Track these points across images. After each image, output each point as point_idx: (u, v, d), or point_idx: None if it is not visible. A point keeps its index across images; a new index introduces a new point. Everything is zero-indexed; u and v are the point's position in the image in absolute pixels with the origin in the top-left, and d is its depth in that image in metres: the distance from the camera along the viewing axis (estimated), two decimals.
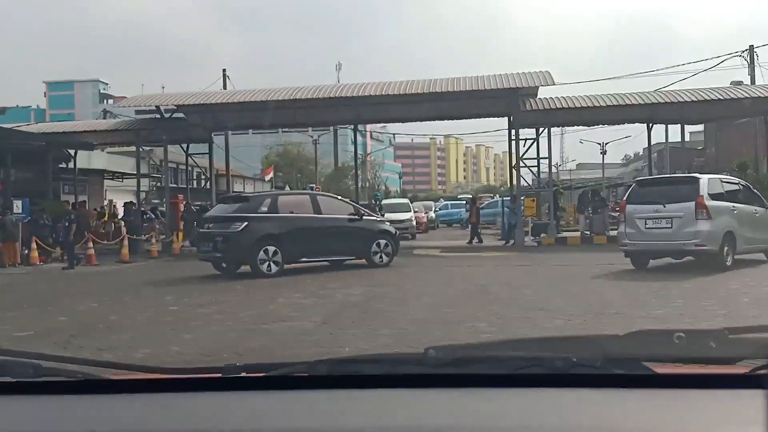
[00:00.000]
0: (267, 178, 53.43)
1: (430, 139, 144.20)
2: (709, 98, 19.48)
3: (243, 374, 1.18)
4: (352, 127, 29.16)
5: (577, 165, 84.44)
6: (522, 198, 20.30)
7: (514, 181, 22.13)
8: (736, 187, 12.46)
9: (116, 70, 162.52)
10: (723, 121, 39.17)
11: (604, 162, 57.06)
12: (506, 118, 22.74)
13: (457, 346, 1.46)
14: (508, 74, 20.39)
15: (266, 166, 58.88)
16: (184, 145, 24.37)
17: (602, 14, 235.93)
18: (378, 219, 14.71)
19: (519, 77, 20.05)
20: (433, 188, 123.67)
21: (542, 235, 20.26)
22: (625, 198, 12.56)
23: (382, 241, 13.25)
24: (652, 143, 26.54)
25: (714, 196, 11.14)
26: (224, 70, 28.31)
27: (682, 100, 19.85)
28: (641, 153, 62.19)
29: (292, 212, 12.52)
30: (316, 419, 1.01)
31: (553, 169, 74.42)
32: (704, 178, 11.52)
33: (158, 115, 21.98)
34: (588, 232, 20.30)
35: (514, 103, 20.25)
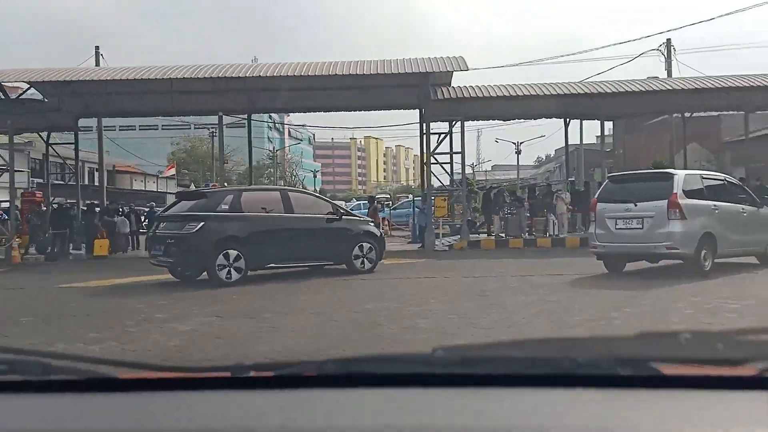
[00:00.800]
0: (168, 174, 49.54)
1: (350, 138, 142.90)
2: (626, 90, 18.11)
3: (252, 373, 1.18)
4: (269, 123, 26.11)
5: (492, 166, 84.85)
6: (432, 198, 18.23)
7: (433, 180, 20.16)
8: (719, 183, 11.27)
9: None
10: (638, 118, 39.47)
11: (519, 163, 56.79)
12: (419, 112, 20.68)
13: (465, 346, 1.51)
14: (418, 59, 18.29)
15: (173, 163, 54.82)
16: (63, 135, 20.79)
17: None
18: (361, 219, 12.92)
19: (429, 62, 18.00)
20: (354, 188, 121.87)
21: (454, 238, 18.30)
22: (596, 196, 11.51)
23: (366, 245, 11.73)
24: (566, 144, 25.47)
25: (691, 194, 10.12)
26: (97, 48, 24.51)
27: (599, 92, 18.40)
28: (552, 155, 62.74)
29: (263, 210, 10.97)
30: (325, 418, 1.00)
31: (470, 170, 74.27)
32: (680, 174, 10.44)
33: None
34: (503, 235, 18.50)
35: (424, 91, 18.18)
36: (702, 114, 35.60)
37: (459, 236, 18.16)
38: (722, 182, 11.43)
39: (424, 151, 19.39)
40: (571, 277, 10.34)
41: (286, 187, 16.01)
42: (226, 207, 10.68)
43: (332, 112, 22.97)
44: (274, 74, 17.52)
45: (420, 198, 20.44)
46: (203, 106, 20.69)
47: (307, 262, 11.48)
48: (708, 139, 39.86)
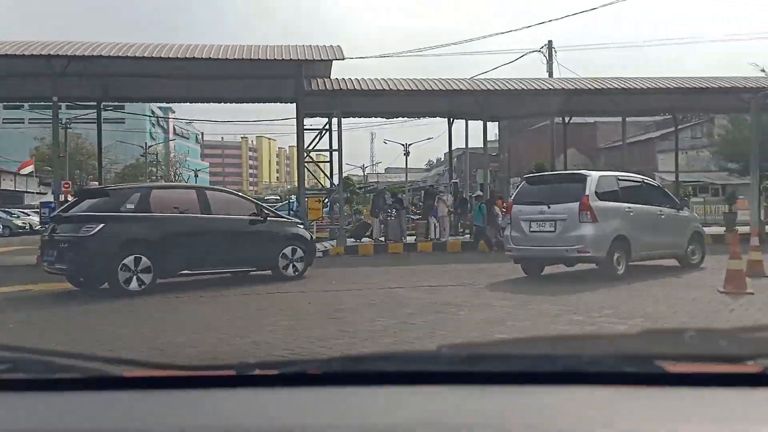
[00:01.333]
0: (25, 171, 44.58)
1: (241, 137, 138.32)
2: (508, 88, 17.51)
3: (256, 371, 1.17)
4: (152, 118, 23.35)
5: (385, 169, 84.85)
6: (306, 199, 16.68)
7: (320, 179, 18.61)
8: (636, 185, 11.07)
9: None
10: (523, 122, 40.27)
11: (410, 166, 56.66)
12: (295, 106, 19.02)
13: (470, 344, 1.67)
14: (290, 46, 16.69)
15: (38, 159, 49.44)
16: None
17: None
18: (289, 221, 11.96)
19: (302, 49, 16.43)
20: (244, 189, 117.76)
21: (330, 243, 16.85)
22: (512, 198, 11.30)
23: (293, 249, 10.79)
24: (455, 148, 25.05)
25: (604, 196, 9.93)
26: None
27: (482, 89, 17.69)
28: (443, 158, 63.54)
29: (176, 210, 9.84)
30: (330, 416, 0.99)
31: (363, 171, 73.11)
32: (593, 176, 10.14)
33: None
34: (383, 239, 17.27)
35: (298, 83, 16.60)
36: (580, 121, 36.94)
37: (336, 241, 16.76)
38: (639, 184, 11.15)
39: (301, 148, 17.80)
40: (445, 288, 9.18)
41: (204, 186, 14.14)
42: (132, 206, 9.48)
43: (210, 104, 20.79)
44: (120, 54, 15.19)
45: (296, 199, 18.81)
46: (35, 92, 17.89)
47: (227, 269, 10.43)
48: (585, 144, 41.54)
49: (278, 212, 13.30)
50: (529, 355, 1.19)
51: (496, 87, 17.66)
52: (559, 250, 9.80)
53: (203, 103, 20.72)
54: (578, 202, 9.59)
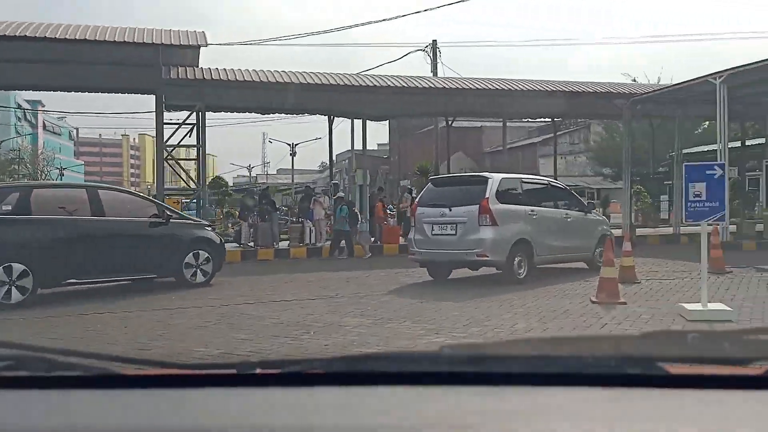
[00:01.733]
0: None
1: (123, 135, 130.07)
2: (389, 85, 16.72)
3: (258, 371, 1.16)
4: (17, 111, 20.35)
5: (277, 170, 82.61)
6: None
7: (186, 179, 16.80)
8: (542, 188, 10.99)
9: None
10: (412, 125, 40.11)
11: (304, 167, 55.35)
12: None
13: (472, 344, 1.56)
14: (146, 28, 14.93)
15: None
16: None
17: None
18: (195, 222, 10.91)
19: (162, 33, 14.75)
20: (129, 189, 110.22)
21: None
22: (416, 200, 11.00)
23: (199, 253, 9.94)
24: (347, 150, 24.05)
25: (505, 199, 9.77)
26: None
27: (363, 84, 16.78)
28: (335, 159, 62.60)
29: (63, 212, 8.82)
30: (332, 416, 0.99)
31: (248, 172, 70.35)
32: (494, 178, 9.92)
33: None
34: (252, 245, 15.85)
35: (156, 69, 14.87)
36: (467, 125, 37.30)
37: None
38: (545, 186, 11.02)
39: (161, 144, 16.00)
40: (301, 303, 8.05)
41: (97, 184, 12.36)
42: (9, 208, 8.56)
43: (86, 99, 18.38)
44: None
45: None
46: None
47: (123, 276, 9.54)
48: (472, 148, 42.13)
49: (183, 214, 11.76)
50: (532, 356, 1.19)
51: (376, 83, 16.81)
52: (459, 253, 9.62)
53: (58, 91, 18.37)
54: (478, 205, 9.43)
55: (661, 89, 17.70)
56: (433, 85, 17.28)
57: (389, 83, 16.94)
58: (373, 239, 15.94)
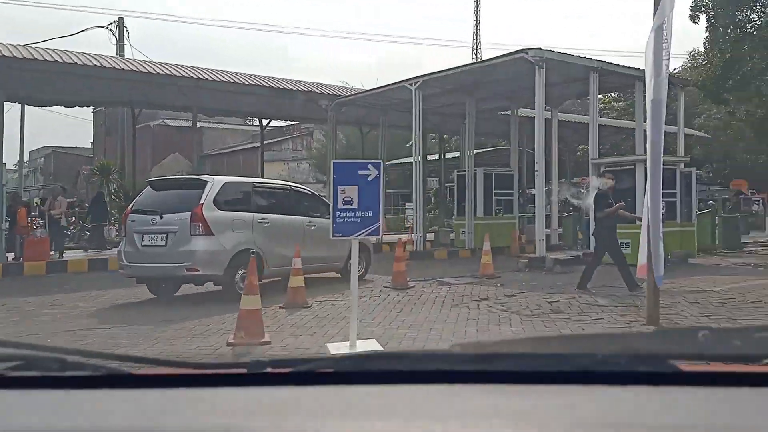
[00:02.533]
0: None
1: None
2: (44, 59, 13.17)
3: (268, 370, 1.16)
4: None
5: None
6: None
7: None
8: (279, 192, 10.15)
9: None
10: (122, 121, 35.28)
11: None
12: None
13: (483, 343, 1.61)
14: None
15: None
16: None
17: None
18: None
19: None
20: None
21: None
22: (130, 206, 9.69)
23: None
24: (37, 148, 19.21)
25: (228, 205, 8.92)
26: None
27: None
28: (28, 157, 53.43)
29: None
30: (342, 414, 0.98)
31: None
32: (215, 182, 8.96)
33: None
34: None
35: None
36: (184, 124, 34.05)
37: None
38: (285, 191, 10.20)
39: None
40: None
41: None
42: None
43: None
44: None
45: None
46: None
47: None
48: (192, 149, 38.91)
49: None
50: (542, 354, 1.19)
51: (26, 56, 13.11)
52: (169, 267, 8.57)
53: None
54: (191, 212, 8.48)
55: (362, 93, 17.15)
56: (96, 63, 14.08)
57: (47, 57, 13.39)
58: (12, 255, 12.28)
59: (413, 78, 14.99)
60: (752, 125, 13.89)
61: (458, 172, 17.56)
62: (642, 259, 7.04)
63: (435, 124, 20.39)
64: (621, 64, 15.06)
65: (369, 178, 5.34)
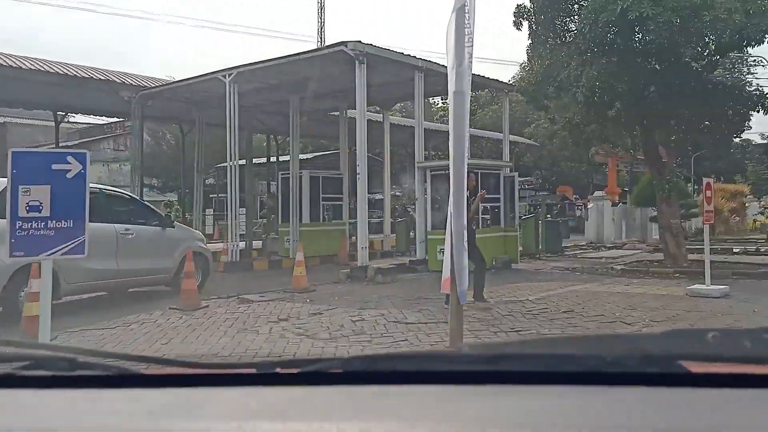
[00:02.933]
0: None
1: None
2: None
3: (277, 370, 1.17)
4: None
5: None
6: None
7: None
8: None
9: None
10: None
11: None
12: None
13: (491, 343, 1.71)
14: None
15: None
16: None
17: None
18: None
19: None
20: None
21: None
22: None
23: None
24: None
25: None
26: None
27: None
28: None
29: None
30: (350, 415, 0.98)
31: None
32: None
33: None
34: None
35: None
36: None
37: None
38: (92, 195, 7.67)
39: None
40: None
41: None
42: None
43: None
44: None
45: None
46: None
47: None
48: None
49: None
50: (550, 355, 1.19)
51: None
52: None
53: None
54: None
55: (170, 84, 15.27)
56: None
57: None
58: None
59: (228, 69, 13.48)
60: (570, 132, 14.05)
61: (282, 174, 16.26)
62: (446, 272, 6.24)
63: (265, 124, 18.94)
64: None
65: (68, 175, 3.88)
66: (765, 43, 12.45)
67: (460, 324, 6.16)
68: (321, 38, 42.86)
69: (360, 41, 11.64)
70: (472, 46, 6.28)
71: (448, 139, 6.16)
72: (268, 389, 1.10)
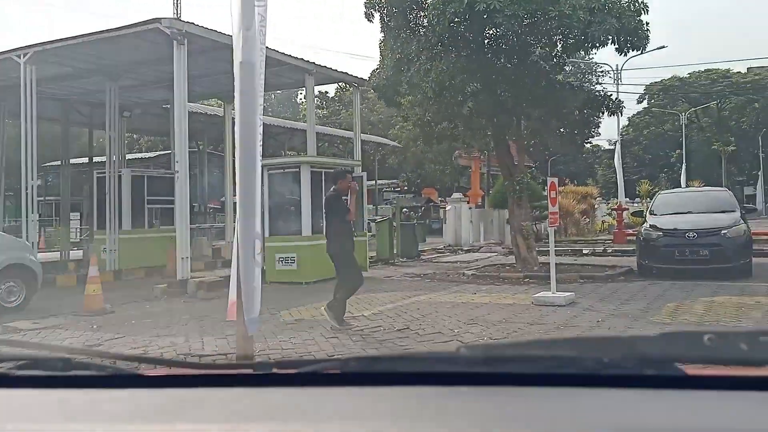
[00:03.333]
0: None
1: None
2: None
3: (275, 370, 1.16)
4: None
5: None
6: None
7: None
8: None
9: None
10: None
11: None
12: None
13: (490, 345, 1.56)
14: None
15: None
16: None
17: None
18: None
19: None
20: None
21: None
22: None
23: None
24: None
25: None
26: None
27: None
28: None
29: None
30: (348, 415, 0.99)
31: None
32: None
33: None
34: None
35: None
36: None
37: None
38: None
39: None
40: None
41: None
42: None
43: None
44: None
45: None
46: None
47: None
48: None
49: None
50: (549, 356, 1.17)
51: None
52: None
53: None
54: None
55: None
56: None
57: None
58: None
59: (23, 48, 11.24)
60: (421, 130, 13.27)
61: (98, 174, 14.06)
62: (232, 294, 4.90)
63: (86, 116, 16.52)
64: (296, 56, 13.35)
65: None
66: (609, 44, 12.36)
67: (248, 353, 4.86)
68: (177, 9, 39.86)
69: (179, 18, 9.99)
70: (265, 6, 5.01)
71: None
72: (265, 390, 1.10)
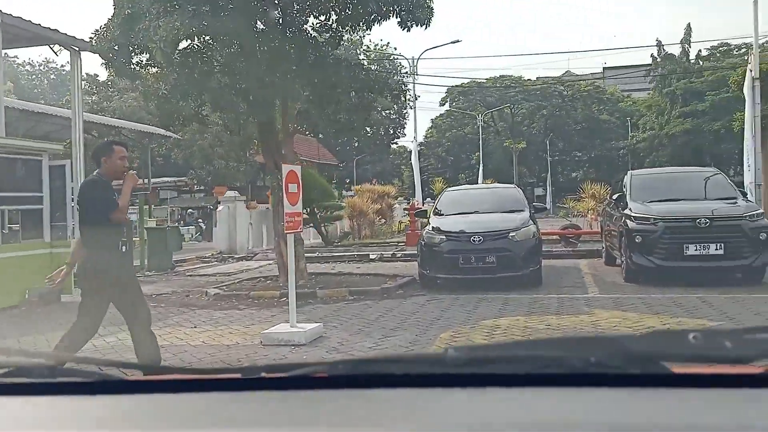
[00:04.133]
0: None
1: None
2: None
3: (263, 374, 1.15)
4: None
5: None
6: None
7: None
8: None
9: None
10: None
11: None
12: None
13: (477, 346, 1.56)
14: None
15: None
16: None
17: None
18: None
19: None
20: None
21: None
22: None
23: None
24: None
25: None
26: None
27: None
28: None
29: None
30: (336, 419, 0.99)
31: None
32: None
33: None
34: None
35: None
36: None
37: None
38: None
39: None
40: None
41: None
42: None
43: None
44: None
45: None
46: None
47: None
48: None
49: None
50: (535, 356, 1.16)
51: None
52: None
53: None
54: None
55: None
56: None
57: None
58: None
59: None
60: (158, 107, 10.19)
61: None
62: None
63: None
64: None
65: None
66: (391, 17, 10.37)
67: None
68: None
69: None
70: None
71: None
72: (254, 394, 1.10)
